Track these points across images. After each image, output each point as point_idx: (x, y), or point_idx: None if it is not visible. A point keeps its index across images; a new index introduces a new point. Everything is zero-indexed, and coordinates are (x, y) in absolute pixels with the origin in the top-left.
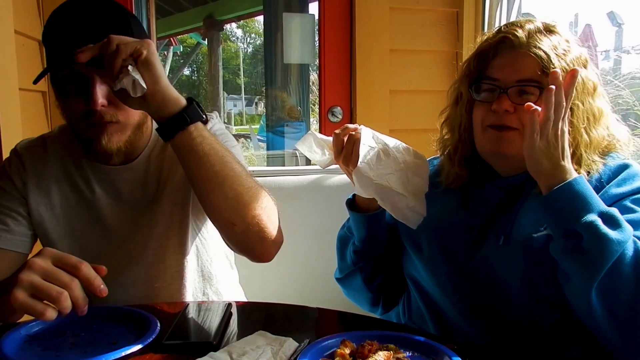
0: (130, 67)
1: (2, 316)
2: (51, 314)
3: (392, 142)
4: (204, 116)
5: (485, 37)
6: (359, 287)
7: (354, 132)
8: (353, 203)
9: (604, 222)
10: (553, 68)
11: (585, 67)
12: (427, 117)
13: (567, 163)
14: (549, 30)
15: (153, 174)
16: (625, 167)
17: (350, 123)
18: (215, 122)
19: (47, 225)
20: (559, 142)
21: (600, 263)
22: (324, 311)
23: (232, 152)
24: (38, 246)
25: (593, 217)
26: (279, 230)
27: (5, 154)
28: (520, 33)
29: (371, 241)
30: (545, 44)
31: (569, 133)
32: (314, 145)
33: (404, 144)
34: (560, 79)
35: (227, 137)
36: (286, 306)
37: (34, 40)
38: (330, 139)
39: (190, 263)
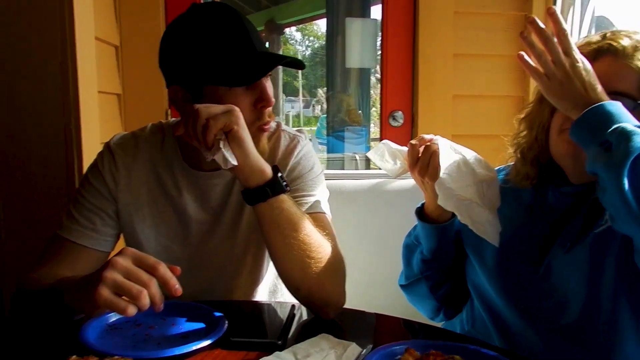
0: (221, 143)
1: (86, 310)
2: (132, 310)
3: (467, 152)
4: (286, 188)
5: (586, 41)
6: (424, 295)
7: (429, 143)
8: (422, 212)
9: (636, 126)
10: None
11: None
12: (492, 122)
13: (597, 94)
14: None
15: (240, 184)
16: None
17: (412, 127)
18: (304, 145)
19: (135, 226)
20: (573, 77)
21: (625, 154)
22: (381, 317)
23: (315, 182)
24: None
25: (625, 124)
26: (342, 294)
27: (86, 153)
28: (627, 42)
29: (440, 252)
30: None
31: None
32: (386, 155)
33: (477, 155)
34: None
35: (312, 162)
36: (345, 310)
37: (111, 46)
38: (404, 148)
39: (264, 280)
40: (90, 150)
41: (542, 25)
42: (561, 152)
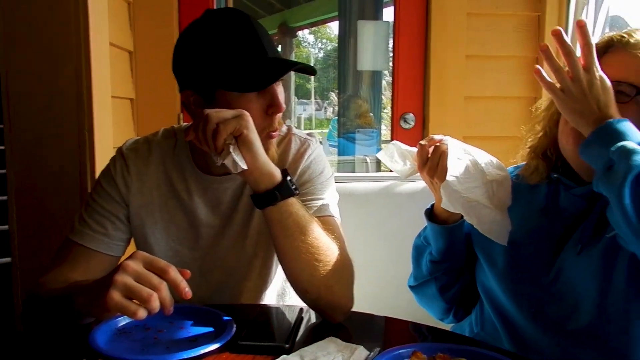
0: (231, 147)
1: (96, 314)
2: (142, 314)
3: (477, 152)
4: (295, 191)
5: (602, 37)
6: (433, 296)
7: (439, 143)
8: (431, 213)
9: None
10: None
11: None
12: (504, 124)
13: (608, 112)
14: None
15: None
16: None
17: (423, 129)
18: (315, 149)
19: (146, 229)
20: (589, 95)
21: (625, 173)
22: (392, 320)
23: (324, 185)
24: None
25: (627, 142)
26: (350, 297)
27: (98, 158)
28: (638, 35)
29: (449, 252)
30: None
31: None
32: (396, 155)
33: (488, 155)
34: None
35: (322, 165)
36: (354, 313)
37: (125, 52)
38: (414, 149)
39: (273, 283)
40: (103, 154)
41: (566, 38)
42: (565, 143)
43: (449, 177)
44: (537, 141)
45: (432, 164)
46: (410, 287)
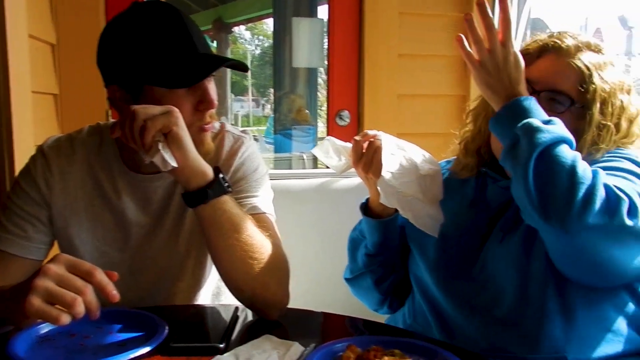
0: (160, 145)
1: (15, 321)
2: (65, 319)
3: (410, 147)
4: (227, 189)
5: (534, 39)
6: (368, 288)
7: (373, 139)
8: (367, 207)
9: (542, 122)
10: (593, 85)
11: (628, 93)
12: (436, 121)
13: (517, 89)
14: (598, 50)
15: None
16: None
17: (358, 126)
18: (249, 146)
19: (70, 230)
20: (502, 70)
21: (528, 151)
22: (329, 315)
23: (259, 182)
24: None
25: (531, 120)
26: (286, 294)
27: (18, 156)
28: (570, 42)
29: (384, 246)
30: (591, 59)
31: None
32: (331, 151)
33: (420, 150)
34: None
35: (257, 163)
36: (291, 310)
37: (47, 44)
38: (348, 145)
39: (207, 283)
40: (23, 153)
41: (489, 11)
42: (497, 142)
43: (384, 173)
44: (470, 138)
45: (367, 159)
46: (346, 279)
